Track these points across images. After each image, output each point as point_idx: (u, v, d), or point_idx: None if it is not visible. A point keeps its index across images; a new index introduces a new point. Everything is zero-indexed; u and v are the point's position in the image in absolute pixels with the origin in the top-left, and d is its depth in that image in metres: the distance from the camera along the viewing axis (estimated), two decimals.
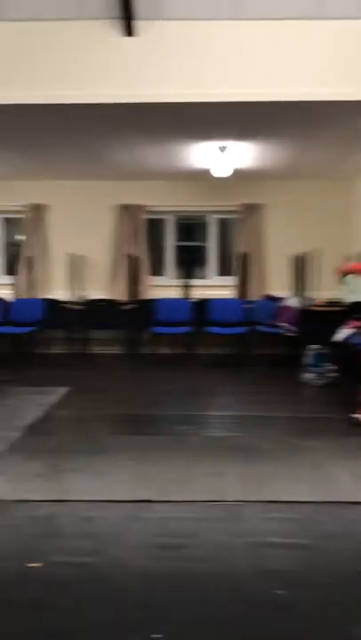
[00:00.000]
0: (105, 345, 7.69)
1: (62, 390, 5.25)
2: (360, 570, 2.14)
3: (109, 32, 4.62)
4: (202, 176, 7.43)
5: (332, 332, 5.86)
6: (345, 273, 4.18)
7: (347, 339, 5.50)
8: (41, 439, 3.80)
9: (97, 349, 7.69)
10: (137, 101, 4.64)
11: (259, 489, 2.93)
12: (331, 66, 4.58)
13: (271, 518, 2.59)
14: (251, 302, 7.42)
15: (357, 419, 4.24)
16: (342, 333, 5.51)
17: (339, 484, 2.99)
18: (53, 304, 7.35)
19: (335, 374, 5.68)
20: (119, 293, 7.83)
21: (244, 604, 1.94)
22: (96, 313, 7.34)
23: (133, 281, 7.81)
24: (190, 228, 8.43)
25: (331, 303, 6.84)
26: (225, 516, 2.62)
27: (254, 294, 7.83)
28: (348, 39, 4.56)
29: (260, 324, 7.08)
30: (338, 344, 5.76)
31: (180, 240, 8.38)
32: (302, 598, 1.96)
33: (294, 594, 1.98)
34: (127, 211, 7.93)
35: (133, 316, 7.40)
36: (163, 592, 2.01)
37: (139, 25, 4.58)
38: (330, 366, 5.71)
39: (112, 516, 2.60)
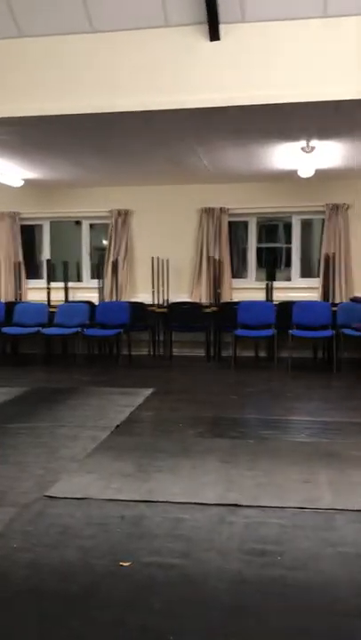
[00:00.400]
0: (188, 347, 7.74)
1: (147, 392, 5.33)
2: None
3: (195, 37, 4.65)
4: (285, 177, 7.33)
5: None
6: None
7: None
8: (128, 439, 3.88)
9: (180, 352, 7.76)
10: (222, 105, 4.64)
11: (350, 497, 2.84)
12: None
13: None
14: (336, 305, 7.22)
15: None
16: None
17: None
18: (138, 307, 7.48)
19: None
20: (202, 296, 7.86)
21: (339, 617, 1.88)
22: (179, 316, 7.40)
23: (216, 283, 7.82)
24: (273, 229, 8.34)
25: None
26: (316, 523, 2.55)
27: (339, 296, 7.63)
28: None
29: (346, 326, 6.88)
30: None
31: (262, 242, 8.30)
32: None
33: None
34: (210, 214, 7.95)
35: (216, 318, 7.41)
36: (254, 598, 1.98)
37: (223, 28, 4.58)
38: None
39: (201, 519, 2.60)
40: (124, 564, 2.20)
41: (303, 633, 1.80)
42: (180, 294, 7.82)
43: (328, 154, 6.27)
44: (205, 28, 4.56)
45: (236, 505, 2.74)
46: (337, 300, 7.55)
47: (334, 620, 1.86)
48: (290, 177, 7.13)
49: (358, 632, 1.80)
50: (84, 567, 2.19)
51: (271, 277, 7.92)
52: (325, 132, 5.50)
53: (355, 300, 7.27)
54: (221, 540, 2.40)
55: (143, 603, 1.96)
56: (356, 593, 2.00)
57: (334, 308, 7.13)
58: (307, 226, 8.24)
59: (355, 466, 3.30)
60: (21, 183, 7.41)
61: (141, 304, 7.54)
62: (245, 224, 8.28)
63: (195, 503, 2.77)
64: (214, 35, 4.55)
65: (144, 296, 7.77)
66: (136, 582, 2.09)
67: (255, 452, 3.57)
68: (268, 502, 2.77)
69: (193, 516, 2.64)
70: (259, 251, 8.32)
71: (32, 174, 7.25)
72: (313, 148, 5.96)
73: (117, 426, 4.19)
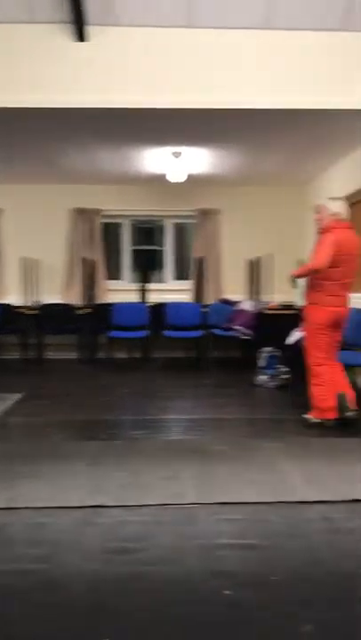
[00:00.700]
0: (60, 350, 7.62)
1: (15, 397, 5.18)
2: (306, 568, 2.20)
3: (62, 37, 4.60)
4: (158, 181, 7.47)
5: (286, 335, 5.97)
6: (297, 276, 4.27)
7: (299, 341, 5.62)
8: None
9: (52, 355, 7.62)
10: (89, 106, 4.64)
11: (212, 491, 2.97)
12: (283, 75, 4.68)
13: (223, 520, 2.62)
14: (207, 306, 7.48)
15: (309, 419, 4.33)
16: (295, 336, 5.63)
17: (289, 485, 3.05)
18: (7, 309, 7.24)
19: (288, 376, 5.79)
20: (75, 298, 7.78)
21: (195, 605, 1.96)
22: (51, 318, 7.26)
23: (89, 285, 7.78)
24: (147, 231, 8.46)
25: (284, 306, 6.98)
26: (178, 519, 2.64)
27: (210, 298, 7.91)
28: (301, 50, 4.66)
29: (215, 327, 7.15)
30: (291, 346, 5.87)
31: (136, 244, 8.40)
32: (251, 597, 2.00)
33: (243, 593, 2.02)
34: (83, 214, 7.89)
35: (89, 320, 7.36)
36: (113, 596, 2.02)
37: (91, 30, 4.58)
38: (283, 368, 5.81)
39: (64, 523, 2.59)
40: None
41: (158, 622, 1.86)
42: (52, 296, 7.68)
43: (197, 160, 6.49)
44: (73, 27, 4.53)
45: (100, 506, 2.76)
46: (208, 302, 7.83)
47: (190, 609, 1.94)
48: (162, 181, 7.29)
49: (213, 616, 1.89)
50: None
51: (145, 279, 8.03)
52: (193, 139, 5.68)
53: (224, 301, 7.58)
54: (84, 541, 2.41)
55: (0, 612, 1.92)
56: (211, 581, 2.10)
57: (205, 309, 7.39)
58: (181, 229, 8.46)
59: (217, 460, 3.45)
60: None
61: (11, 306, 7.30)
62: (119, 225, 8.33)
63: (59, 507, 2.75)
64: (81, 36, 4.54)
65: (14, 297, 7.53)
66: None
67: (123, 453, 3.62)
68: (133, 501, 2.82)
69: (57, 520, 2.62)
70: (134, 253, 8.40)
71: None
72: (181, 154, 6.14)
73: None
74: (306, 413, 4.39)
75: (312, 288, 4.23)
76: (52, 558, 2.27)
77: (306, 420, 4.32)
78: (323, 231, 4.21)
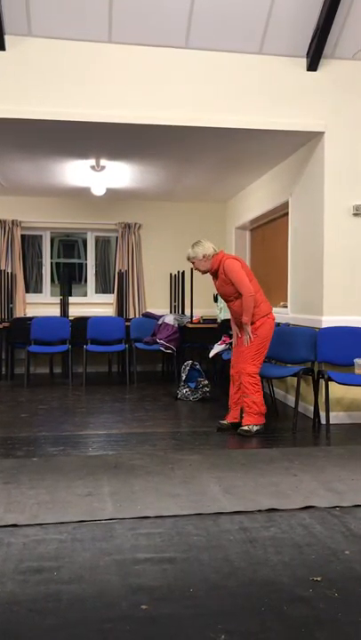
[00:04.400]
0: None
1: None
2: (223, 579, 2.21)
3: None
4: (80, 194, 7.43)
5: (207, 349, 6.06)
6: (250, 321, 4.44)
7: (219, 354, 5.72)
8: None
9: None
10: (6, 116, 4.55)
11: (130, 506, 2.94)
12: (199, 93, 4.79)
13: (141, 534, 2.60)
14: (130, 320, 7.46)
15: (251, 428, 4.41)
16: (215, 349, 5.72)
17: (208, 496, 3.07)
18: None
19: (209, 389, 5.86)
20: None
21: (113, 622, 1.92)
22: None
23: (8, 298, 7.57)
24: (69, 244, 8.36)
25: (205, 320, 7.08)
26: (95, 535, 2.59)
27: (133, 312, 7.91)
28: (219, 70, 4.79)
29: (138, 341, 7.15)
30: (212, 360, 5.96)
31: (58, 257, 8.28)
32: (167, 611, 1.99)
33: (160, 607, 2.00)
34: (1, 226, 7.69)
35: (7, 334, 7.16)
36: (28, 618, 1.94)
37: (9, 40, 4.51)
38: (204, 381, 5.88)
39: None
40: None
41: None
42: None
43: (119, 174, 6.50)
44: None
45: (14, 525, 2.66)
46: (130, 316, 7.82)
47: (106, 626, 1.90)
48: (84, 194, 7.25)
49: (131, 633, 1.86)
50: None
51: (67, 293, 7.92)
52: (115, 153, 5.69)
53: (147, 315, 7.59)
54: None
55: None
56: (127, 596, 2.07)
57: (128, 323, 7.37)
58: (104, 243, 8.43)
59: (137, 475, 3.43)
60: None
61: None
62: (40, 238, 8.18)
63: None
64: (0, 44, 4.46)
65: None
66: None
67: (40, 470, 3.52)
68: (49, 519, 2.75)
69: None
70: (57, 266, 8.27)
71: None
72: (103, 168, 6.13)
73: None
74: (222, 420, 4.51)
75: (254, 308, 4.43)
76: None
77: (248, 432, 4.38)
78: (217, 266, 4.50)
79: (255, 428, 4.42)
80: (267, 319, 4.48)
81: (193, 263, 4.62)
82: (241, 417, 4.53)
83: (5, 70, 4.54)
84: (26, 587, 2.14)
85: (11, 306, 7.57)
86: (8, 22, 4.42)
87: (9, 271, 7.65)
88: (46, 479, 3.33)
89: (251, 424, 4.42)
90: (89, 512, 2.84)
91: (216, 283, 4.63)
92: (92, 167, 6.09)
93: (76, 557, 2.37)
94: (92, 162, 5.98)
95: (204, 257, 4.54)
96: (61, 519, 2.74)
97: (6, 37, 4.49)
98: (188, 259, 4.63)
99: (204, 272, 4.63)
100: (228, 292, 4.51)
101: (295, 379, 4.79)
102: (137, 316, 7.84)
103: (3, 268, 7.62)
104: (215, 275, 4.59)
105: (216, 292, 4.43)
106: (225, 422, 4.62)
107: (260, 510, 2.89)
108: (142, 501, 3.00)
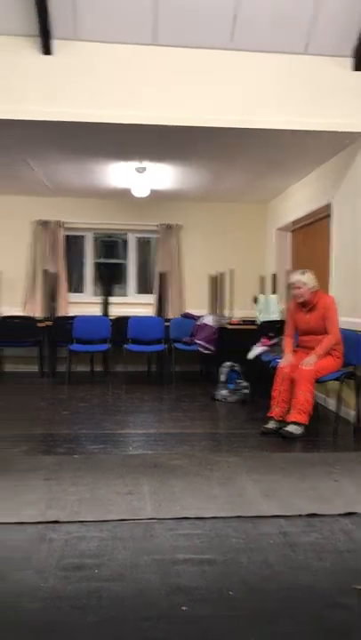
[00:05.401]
0: (21, 363, 7.52)
1: None
2: (263, 583, 2.21)
3: (28, 49, 4.59)
4: (121, 195, 7.49)
5: (246, 350, 6.04)
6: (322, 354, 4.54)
7: (259, 356, 5.69)
8: None
9: (11, 367, 7.51)
10: (53, 119, 4.63)
11: (170, 506, 2.96)
12: (245, 95, 4.78)
13: (180, 534, 2.62)
14: (169, 320, 7.50)
15: (268, 429, 4.39)
16: (255, 351, 5.69)
17: (247, 499, 3.07)
18: None
19: (248, 391, 5.84)
20: (36, 310, 7.69)
21: (152, 621, 1.95)
22: (10, 330, 7.16)
23: (51, 297, 7.71)
24: (110, 245, 8.45)
25: (245, 322, 7.05)
26: (135, 534, 2.62)
27: (172, 312, 7.94)
28: (265, 71, 4.77)
29: (177, 341, 7.17)
30: (251, 361, 5.93)
31: (99, 257, 8.37)
32: (206, 612, 1.99)
33: (199, 608, 2.01)
34: (45, 227, 7.84)
35: (50, 332, 7.29)
36: (71, 614, 1.98)
37: (57, 44, 4.59)
38: (243, 383, 5.86)
39: (19, 539, 2.54)
40: None
41: None
42: (12, 307, 7.58)
43: (161, 175, 6.53)
44: (38, 40, 4.53)
45: (56, 522, 2.72)
46: (170, 316, 7.85)
47: (146, 625, 1.93)
48: (126, 195, 7.31)
49: (170, 633, 1.88)
50: None
51: (108, 293, 8.01)
52: (157, 155, 5.73)
53: (186, 315, 7.61)
54: (39, 558, 2.37)
55: None
56: (167, 596, 2.09)
57: (167, 324, 7.40)
58: (145, 243, 8.49)
59: (176, 475, 3.44)
60: None
61: None
62: (82, 238, 8.30)
63: (14, 523, 2.69)
64: (47, 48, 4.54)
65: None
66: None
67: (80, 467, 3.57)
68: (90, 517, 2.79)
69: (11, 536, 2.57)
70: (97, 266, 8.38)
71: None
72: (146, 169, 6.18)
73: None
74: (266, 424, 4.49)
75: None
76: (7, 575, 2.22)
77: (291, 433, 4.36)
78: (315, 300, 4.72)
79: (299, 431, 4.37)
80: (337, 359, 4.69)
81: (298, 288, 4.74)
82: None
83: (51, 74, 4.62)
84: (67, 583, 2.18)
85: (54, 305, 7.70)
86: (55, 27, 4.49)
87: (52, 271, 7.78)
88: (87, 477, 3.38)
89: (298, 421, 4.37)
90: (129, 511, 2.87)
91: (307, 316, 4.76)
92: (136, 169, 6.14)
93: (116, 555, 2.40)
94: (136, 164, 6.03)
95: (311, 287, 4.72)
96: (102, 517, 2.78)
97: (53, 42, 4.56)
98: (293, 283, 4.76)
99: (301, 302, 4.77)
100: (318, 328, 4.69)
101: (336, 382, 4.73)
102: (176, 316, 7.86)
103: (46, 268, 7.76)
104: (310, 308, 4.74)
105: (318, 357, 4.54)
106: (271, 426, 4.55)
107: (300, 515, 2.86)
108: (181, 502, 3.01)
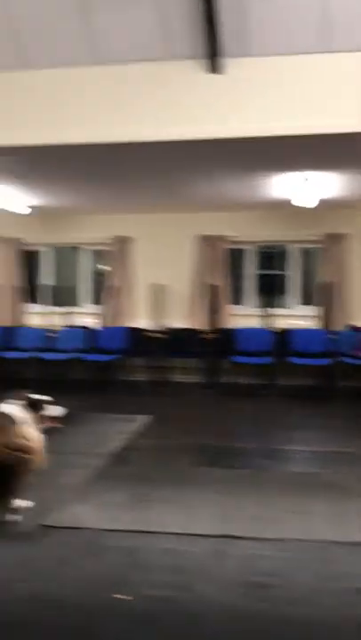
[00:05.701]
0: (186, 373, 7.74)
1: (144, 418, 5.31)
2: None
3: (196, 70, 4.75)
4: (283, 206, 7.41)
5: None
6: None
7: None
8: (124, 468, 3.86)
9: (178, 377, 7.76)
10: (219, 137, 4.73)
11: (347, 529, 2.83)
12: None
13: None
14: (335, 332, 7.24)
15: None
16: None
17: None
18: (137, 332, 7.51)
19: None
20: (200, 322, 7.89)
21: None
22: (177, 341, 7.42)
23: (214, 310, 7.86)
24: (271, 256, 8.41)
25: None
26: (313, 556, 2.54)
27: (338, 325, 7.66)
28: None
29: (344, 355, 6.90)
30: None
31: (260, 268, 8.36)
32: None
33: None
34: (208, 241, 8.02)
35: (214, 344, 7.42)
36: (254, 634, 1.97)
37: (224, 62, 4.69)
38: None
39: (198, 551, 2.59)
40: (121, 597, 2.18)
41: None
42: (178, 320, 7.85)
43: (325, 184, 6.36)
44: (207, 60, 4.66)
45: (230, 536, 2.73)
46: (334, 328, 7.58)
47: None
48: (288, 206, 7.23)
49: None
50: (80, 599, 2.18)
51: (270, 304, 7.96)
52: (320, 164, 5.59)
53: (353, 328, 7.30)
54: (220, 572, 2.39)
55: (141, 637, 1.95)
56: (356, 630, 1.99)
57: (333, 336, 7.16)
58: (306, 253, 8.32)
59: (349, 497, 3.29)
60: (28, 211, 7.50)
61: (140, 329, 7.56)
62: (243, 251, 8.35)
63: (191, 534, 2.75)
64: (215, 67, 4.66)
65: (143, 322, 7.80)
66: (133, 616, 2.07)
67: (252, 482, 3.57)
68: (266, 534, 2.76)
69: (190, 547, 2.63)
70: (258, 277, 8.37)
71: (37, 201, 7.33)
72: (311, 179, 6.06)
73: (114, 453, 4.17)
74: None
75: None
76: (192, 587, 2.26)
77: None
78: None
79: None
80: None
81: None
82: None
83: (223, 92, 4.71)
84: (247, 601, 2.17)
85: (216, 317, 7.84)
86: (224, 45, 4.59)
87: (214, 284, 7.93)
88: (258, 493, 3.36)
89: None
90: (304, 531, 2.80)
91: None
92: (303, 179, 6.06)
93: (296, 577, 2.35)
94: (302, 173, 5.95)
95: None
96: (277, 535, 2.74)
97: (222, 60, 4.66)
98: None
99: None
100: None
101: None
102: (340, 328, 7.57)
103: (210, 281, 7.92)
104: None
105: None
106: None
107: None
108: (358, 525, 2.87)
